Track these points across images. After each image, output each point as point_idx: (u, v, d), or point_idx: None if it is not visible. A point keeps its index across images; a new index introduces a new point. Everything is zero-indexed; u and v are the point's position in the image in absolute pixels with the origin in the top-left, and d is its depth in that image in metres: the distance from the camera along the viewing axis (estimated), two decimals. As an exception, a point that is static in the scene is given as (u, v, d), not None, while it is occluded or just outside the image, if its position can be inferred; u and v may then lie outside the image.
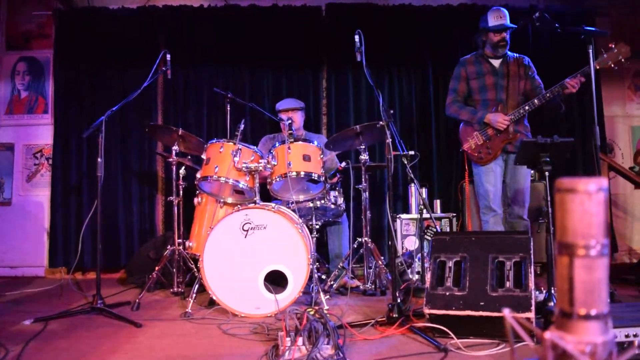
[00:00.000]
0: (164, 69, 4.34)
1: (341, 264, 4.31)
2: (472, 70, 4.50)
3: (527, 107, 4.26)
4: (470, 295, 2.85)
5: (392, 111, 3.55)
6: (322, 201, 4.26)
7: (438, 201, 5.43)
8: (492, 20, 4.39)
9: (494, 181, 4.38)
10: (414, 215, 5.08)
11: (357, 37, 3.60)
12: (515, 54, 4.53)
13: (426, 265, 3.62)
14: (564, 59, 5.50)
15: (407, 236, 5.05)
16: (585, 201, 1.09)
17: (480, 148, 4.38)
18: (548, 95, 4.18)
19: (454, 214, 5.13)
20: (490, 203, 4.38)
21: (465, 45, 5.49)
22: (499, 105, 4.36)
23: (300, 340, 2.49)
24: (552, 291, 3.28)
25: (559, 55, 5.66)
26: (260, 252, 3.57)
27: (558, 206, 1.12)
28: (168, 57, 4.30)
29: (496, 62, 4.49)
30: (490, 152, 4.35)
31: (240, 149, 3.84)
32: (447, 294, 2.90)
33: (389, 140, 3.26)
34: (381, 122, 3.42)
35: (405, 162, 4.04)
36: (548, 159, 3.40)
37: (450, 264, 3.00)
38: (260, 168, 3.79)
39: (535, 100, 4.22)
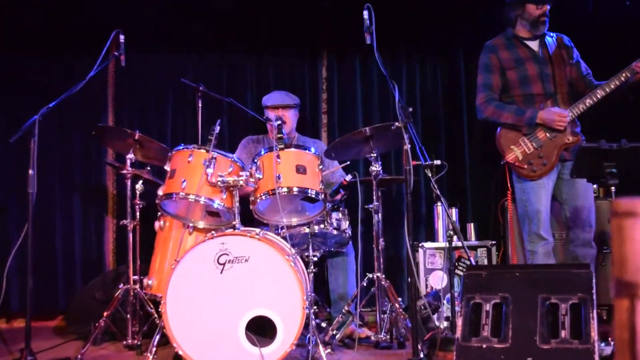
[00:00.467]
0: (116, 53, 4.37)
1: (346, 308, 4.30)
2: (507, 57, 4.51)
3: (588, 101, 4.27)
4: (514, 348, 2.85)
5: (410, 109, 3.57)
6: (322, 225, 4.27)
7: (472, 225, 5.45)
8: None
9: (546, 200, 4.40)
10: (441, 243, 5.09)
11: (366, 13, 3.64)
12: (552, 33, 4.56)
13: (457, 309, 3.63)
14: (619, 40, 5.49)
15: (432, 271, 5.05)
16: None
17: (531, 158, 4.37)
18: (614, 83, 4.19)
19: (492, 242, 5.13)
20: (540, 229, 4.39)
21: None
22: (549, 101, 4.39)
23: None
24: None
25: (614, 35, 5.65)
26: (240, 292, 3.57)
27: (615, 234, 1.12)
28: (122, 38, 4.33)
29: (533, 45, 4.51)
30: (546, 162, 4.33)
31: (215, 158, 3.85)
32: (484, 346, 2.90)
33: (408, 146, 3.28)
34: (397, 124, 3.44)
35: (430, 175, 4.05)
36: (614, 170, 3.42)
37: (488, 307, 3.00)
38: (241, 183, 3.80)
39: (598, 91, 4.23)
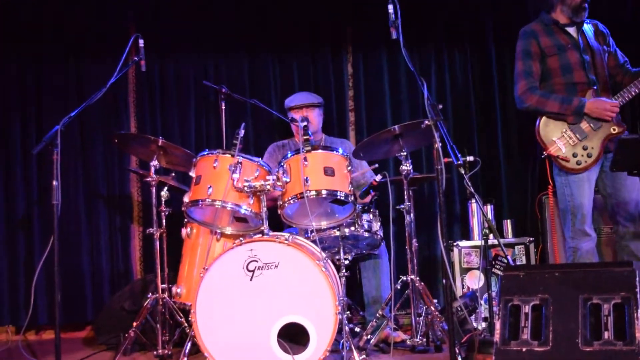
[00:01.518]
0: (135, 58, 4.41)
1: (381, 312, 4.31)
2: (548, 44, 4.47)
3: (634, 90, 4.24)
4: (555, 351, 2.85)
5: (440, 106, 3.57)
6: (352, 228, 4.29)
7: (509, 222, 5.43)
8: None
9: (589, 194, 4.37)
10: (477, 241, 5.08)
11: (390, 7, 3.64)
12: (587, 20, 4.52)
13: (495, 309, 3.62)
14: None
15: (468, 270, 5.05)
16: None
17: (575, 150, 4.34)
18: None
19: (530, 239, 5.12)
20: (585, 224, 4.36)
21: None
22: (590, 90, 4.35)
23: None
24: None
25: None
26: (271, 299, 3.61)
27: None
28: (141, 42, 4.36)
29: (573, 32, 4.48)
30: (591, 154, 4.30)
31: (241, 163, 3.89)
32: (524, 349, 2.90)
33: (439, 145, 3.28)
34: (427, 121, 3.45)
35: (463, 172, 4.04)
36: (656, 163, 3.40)
37: (527, 309, 3.00)
38: (268, 187, 3.83)
39: None
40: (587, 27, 4.50)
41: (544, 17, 4.54)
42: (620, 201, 4.39)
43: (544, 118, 4.46)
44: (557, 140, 4.38)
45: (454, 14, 5.90)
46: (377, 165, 4.74)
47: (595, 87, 4.36)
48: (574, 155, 4.33)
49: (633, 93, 4.26)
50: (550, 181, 4.80)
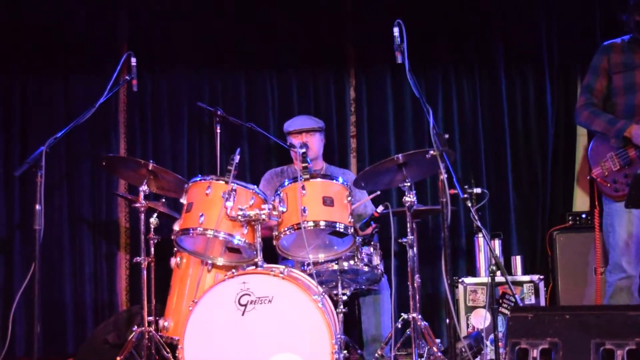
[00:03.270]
0: (127, 77, 4.43)
1: (380, 351, 4.30)
2: (617, 61, 4.45)
3: None
4: (565, 398, 2.83)
5: (446, 136, 3.58)
6: (352, 261, 4.26)
7: (518, 258, 5.41)
8: None
9: (632, 226, 4.32)
10: (483, 278, 5.07)
11: (396, 30, 3.66)
12: None
13: (501, 351, 3.60)
14: None
15: (474, 309, 5.03)
16: None
17: (616, 175, 4.34)
18: None
19: (541, 277, 5.10)
20: (622, 259, 4.32)
21: (564, 37, 5.53)
22: None
23: None
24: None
25: None
26: (264, 335, 3.59)
27: None
28: (133, 61, 4.37)
29: None
30: (630, 182, 4.29)
31: (235, 190, 3.89)
32: (532, 396, 2.88)
33: (444, 176, 3.28)
34: (432, 151, 3.46)
35: (469, 205, 4.04)
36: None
37: (535, 353, 2.99)
38: (264, 216, 3.83)
39: None
40: None
41: (631, 35, 4.48)
42: None
43: (597, 139, 4.49)
44: (603, 163, 4.39)
45: (462, 37, 5.92)
46: (378, 192, 4.74)
47: None
48: (614, 182, 4.34)
49: None
50: (598, 206, 4.83)
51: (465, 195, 3.44)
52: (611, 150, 4.37)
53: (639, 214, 4.31)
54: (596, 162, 4.43)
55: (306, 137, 5.05)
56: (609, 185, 4.35)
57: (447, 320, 3.53)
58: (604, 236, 4.53)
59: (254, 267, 3.83)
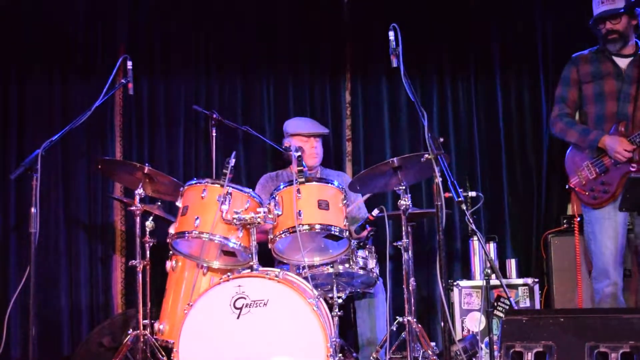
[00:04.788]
0: (123, 81, 4.44)
1: (375, 354, 4.30)
2: (586, 71, 4.53)
3: None
4: (559, 401, 2.83)
5: (441, 139, 3.59)
6: (347, 265, 4.27)
7: (513, 261, 5.42)
8: (595, 4, 4.46)
9: (613, 233, 4.36)
10: (478, 281, 5.06)
11: (391, 34, 3.67)
12: None
13: (496, 353, 3.60)
14: None
15: (469, 312, 5.03)
16: None
17: (593, 184, 4.38)
18: None
19: (535, 280, 5.10)
20: (605, 265, 4.35)
21: (559, 40, 5.55)
22: (621, 123, 4.36)
23: None
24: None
25: None
26: (259, 339, 3.58)
27: None
28: (129, 64, 4.39)
29: (623, 62, 4.50)
30: (607, 189, 4.33)
31: (231, 194, 3.89)
32: (526, 399, 2.88)
33: (439, 179, 3.28)
34: (427, 155, 3.46)
35: (464, 208, 4.04)
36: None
37: (530, 356, 2.98)
38: (259, 220, 3.82)
39: None
40: None
41: (599, 45, 4.58)
42: None
43: (572, 149, 4.55)
44: (580, 172, 4.44)
45: (458, 41, 5.93)
46: (369, 195, 4.75)
47: (626, 121, 4.37)
48: (592, 190, 4.38)
49: None
50: (577, 215, 4.94)
51: (460, 199, 3.44)
52: (587, 159, 4.43)
53: (619, 220, 4.35)
54: (573, 172, 4.49)
55: (315, 141, 5.04)
56: (587, 193, 4.40)
57: (442, 324, 3.53)
58: (586, 244, 4.57)
59: (249, 270, 3.82)
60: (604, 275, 4.35)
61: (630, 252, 4.62)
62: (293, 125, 5.18)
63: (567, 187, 4.53)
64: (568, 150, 4.59)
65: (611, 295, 4.32)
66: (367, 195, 4.81)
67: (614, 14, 4.39)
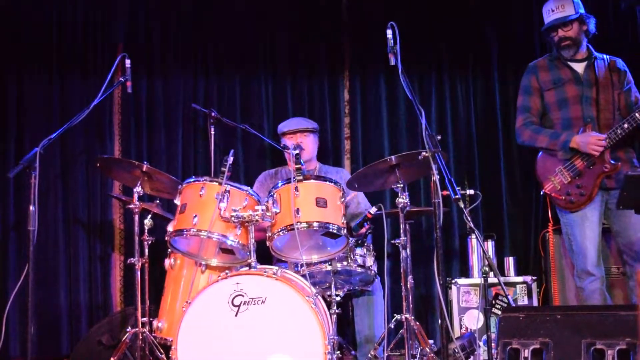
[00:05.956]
0: (122, 79, 4.44)
1: (373, 352, 4.30)
2: (546, 79, 4.60)
3: (626, 125, 4.28)
4: (556, 398, 2.84)
5: (439, 137, 3.59)
6: (345, 262, 4.27)
7: (511, 259, 5.43)
8: (546, 13, 4.56)
9: (591, 233, 4.42)
10: (476, 279, 5.07)
11: (389, 33, 3.67)
12: (605, 56, 4.62)
13: (493, 351, 3.61)
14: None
15: (467, 310, 5.03)
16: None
17: (569, 188, 4.42)
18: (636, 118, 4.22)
19: (533, 277, 5.12)
20: (588, 264, 4.41)
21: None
22: (588, 125, 4.42)
23: None
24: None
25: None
26: (257, 336, 3.59)
27: None
28: (128, 62, 4.40)
29: (579, 67, 4.57)
30: (584, 192, 4.38)
31: (229, 191, 3.89)
32: (523, 396, 2.89)
33: (436, 177, 3.29)
34: (425, 153, 3.46)
35: (462, 206, 4.05)
36: (664, 201, 3.41)
37: (527, 353, 2.99)
38: (257, 218, 3.83)
39: (637, 114, 4.24)
40: (601, 63, 4.57)
41: (554, 51, 4.65)
42: (627, 241, 4.44)
43: (542, 154, 4.59)
44: (553, 178, 4.47)
45: (457, 40, 5.94)
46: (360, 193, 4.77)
47: (592, 123, 4.42)
48: (568, 194, 4.42)
49: (625, 128, 4.28)
50: (551, 219, 4.95)
51: (457, 196, 3.45)
52: (559, 164, 4.46)
53: (595, 220, 4.41)
54: (546, 178, 4.51)
55: (300, 137, 5.06)
56: (563, 198, 4.44)
57: (440, 321, 3.54)
58: (566, 246, 4.62)
59: (247, 268, 3.83)
60: (586, 274, 4.42)
61: (609, 250, 4.67)
62: (282, 125, 5.22)
63: (541, 193, 4.55)
64: (538, 157, 4.61)
65: (597, 291, 4.38)
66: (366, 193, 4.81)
67: (565, 21, 4.46)
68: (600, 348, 2.93)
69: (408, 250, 4.29)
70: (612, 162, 4.33)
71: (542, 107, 4.61)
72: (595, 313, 3.05)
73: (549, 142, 4.48)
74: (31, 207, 3.80)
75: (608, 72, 4.53)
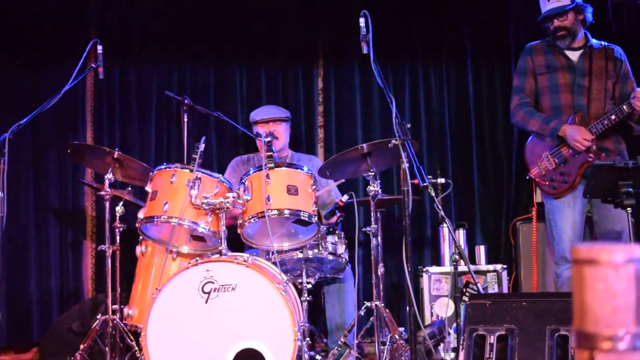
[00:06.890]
0: (93, 65, 4.43)
1: (343, 339, 4.32)
2: (540, 63, 4.61)
3: (613, 117, 4.31)
4: (520, 383, 2.88)
5: (409, 125, 3.61)
6: (316, 250, 4.28)
7: (482, 247, 5.47)
8: (542, 3, 4.56)
9: (572, 220, 4.45)
10: (447, 268, 5.11)
11: (362, 21, 3.68)
12: (603, 43, 4.61)
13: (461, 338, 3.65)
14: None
15: (437, 297, 5.07)
16: (610, 276, 1.08)
17: (553, 174, 4.46)
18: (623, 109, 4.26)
19: (503, 266, 5.16)
20: (565, 251, 4.44)
21: (532, 28, 5.60)
22: (577, 114, 4.43)
23: None
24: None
25: None
26: (227, 323, 3.61)
27: (575, 283, 1.12)
28: (100, 48, 4.38)
29: (574, 55, 4.58)
30: (567, 179, 4.41)
31: (200, 178, 3.90)
32: (489, 381, 2.93)
33: (406, 165, 3.31)
34: (394, 141, 3.49)
35: (433, 194, 4.08)
36: (631, 190, 3.45)
37: (492, 339, 3.03)
38: (228, 205, 3.84)
39: (624, 107, 4.27)
40: (598, 51, 4.57)
41: (549, 38, 4.66)
42: (603, 232, 4.49)
43: (532, 139, 4.62)
44: (540, 163, 4.50)
45: (431, 29, 5.96)
46: (343, 180, 4.77)
47: (582, 112, 4.43)
48: (552, 180, 4.45)
49: (606, 122, 4.31)
50: (535, 204, 5.06)
51: (426, 184, 3.47)
52: (546, 150, 4.50)
53: (577, 208, 4.45)
54: (533, 162, 4.56)
55: (273, 126, 5.05)
56: (547, 183, 4.48)
57: (408, 308, 3.57)
58: (548, 230, 4.69)
59: (218, 255, 3.85)
60: (564, 260, 4.46)
61: (592, 239, 4.71)
62: (254, 113, 5.20)
63: (527, 177, 4.61)
64: (528, 140, 4.66)
65: (571, 278, 4.40)
66: (341, 180, 4.83)
67: (560, 11, 4.47)
68: (564, 334, 2.98)
69: (379, 238, 4.31)
70: (600, 151, 4.35)
71: (536, 89, 4.63)
72: (560, 300, 3.09)
73: (539, 127, 4.49)
74: (0, 193, 3.78)
75: (604, 60, 4.53)
